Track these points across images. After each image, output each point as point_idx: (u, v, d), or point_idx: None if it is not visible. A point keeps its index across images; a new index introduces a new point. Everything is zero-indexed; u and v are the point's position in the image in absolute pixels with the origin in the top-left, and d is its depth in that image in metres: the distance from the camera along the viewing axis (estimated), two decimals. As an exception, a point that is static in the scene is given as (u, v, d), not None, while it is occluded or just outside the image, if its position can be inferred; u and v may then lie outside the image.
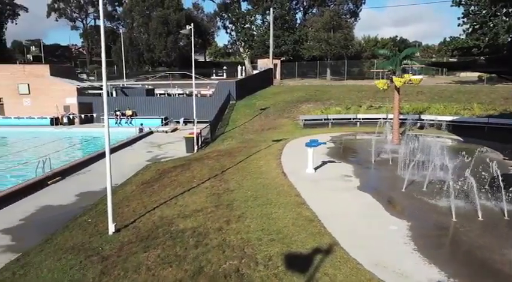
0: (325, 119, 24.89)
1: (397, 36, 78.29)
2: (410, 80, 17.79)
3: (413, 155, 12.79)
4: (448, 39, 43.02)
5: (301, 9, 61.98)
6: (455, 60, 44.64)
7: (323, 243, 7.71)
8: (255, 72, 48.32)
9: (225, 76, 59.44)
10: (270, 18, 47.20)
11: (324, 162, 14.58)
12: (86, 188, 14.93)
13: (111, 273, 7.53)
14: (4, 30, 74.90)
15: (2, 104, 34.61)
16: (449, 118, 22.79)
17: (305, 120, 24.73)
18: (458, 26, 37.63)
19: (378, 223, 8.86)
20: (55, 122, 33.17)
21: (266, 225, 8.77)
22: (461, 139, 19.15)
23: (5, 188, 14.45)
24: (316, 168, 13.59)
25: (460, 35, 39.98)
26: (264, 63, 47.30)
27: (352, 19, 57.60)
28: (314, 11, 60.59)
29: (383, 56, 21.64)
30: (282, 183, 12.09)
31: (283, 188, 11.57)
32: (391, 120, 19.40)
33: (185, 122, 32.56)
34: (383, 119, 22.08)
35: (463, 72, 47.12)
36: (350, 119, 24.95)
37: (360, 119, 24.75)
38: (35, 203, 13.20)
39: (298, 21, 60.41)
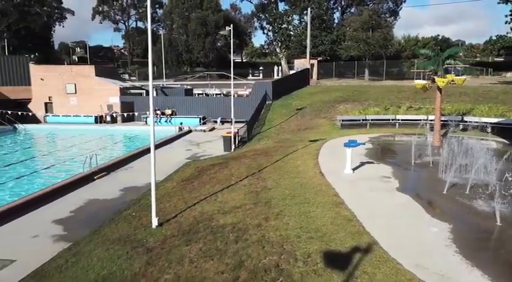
0: (363, 120, 24.61)
1: (438, 35, 75.99)
2: (453, 81, 17.32)
3: (456, 157, 12.50)
4: (494, 37, 41.29)
5: (339, 8, 61.35)
6: (502, 59, 42.78)
7: (362, 242, 7.75)
8: (291, 72, 48.37)
9: (261, 76, 59.83)
10: (308, 18, 47.07)
11: (362, 163, 14.49)
12: (129, 183, 15.57)
13: (156, 264, 7.91)
14: (52, 32, 78.88)
15: (51, 102, 36.53)
16: (495, 120, 21.95)
17: (342, 120, 24.56)
18: (506, 23, 36.07)
19: (418, 224, 8.78)
20: (99, 120, 34.65)
21: (304, 223, 8.90)
22: (506, 142, 18.44)
23: (56, 181, 15.37)
24: (354, 169, 13.55)
25: (507, 33, 38.29)
26: (300, 63, 47.23)
27: (392, 18, 56.40)
28: (352, 10, 59.82)
29: (424, 55, 21.17)
30: (320, 182, 12.16)
31: (321, 187, 11.64)
32: (432, 122, 18.95)
33: (222, 122, 33.09)
34: (423, 120, 21.58)
35: (509, 72, 45.07)
36: (389, 120, 24.54)
37: (399, 120, 24.29)
38: (83, 196, 13.93)
39: (336, 21, 59.87)
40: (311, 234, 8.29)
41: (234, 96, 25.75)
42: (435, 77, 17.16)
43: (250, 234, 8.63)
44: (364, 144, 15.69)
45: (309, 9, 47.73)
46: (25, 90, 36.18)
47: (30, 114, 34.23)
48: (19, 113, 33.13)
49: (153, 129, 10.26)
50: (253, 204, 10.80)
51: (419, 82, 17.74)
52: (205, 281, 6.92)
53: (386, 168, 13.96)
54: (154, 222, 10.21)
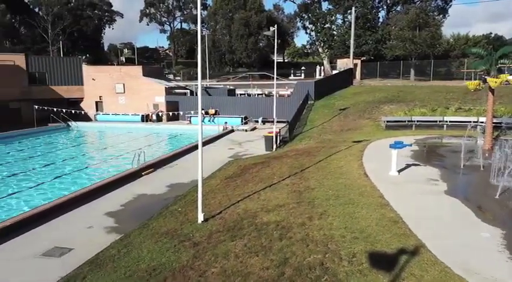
0: (408, 121, 23.97)
1: (491, 33, 72.31)
2: (506, 81, 16.52)
3: (509, 161, 11.95)
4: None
5: (385, 7, 59.89)
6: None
7: (408, 244, 7.64)
8: (334, 72, 47.81)
9: (303, 76, 59.54)
10: (352, 17, 46.36)
11: (408, 165, 14.17)
12: (174, 180, 16.10)
13: (202, 257, 8.19)
14: (102, 34, 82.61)
15: (102, 101, 38.31)
16: (552, 122, 20.70)
17: (387, 121, 24.05)
18: None
19: (468, 229, 8.51)
20: (145, 118, 35.93)
21: (349, 224, 8.87)
22: None
23: (107, 177, 16.17)
24: (399, 171, 13.28)
25: None
26: (343, 63, 46.59)
27: (440, 16, 54.34)
28: (398, 8, 58.21)
29: (476, 55, 20.29)
30: (364, 184, 12.03)
31: (366, 189, 11.52)
32: (483, 124, 18.16)
33: (263, 122, 33.33)
34: (473, 122, 20.72)
35: None
36: (436, 121, 23.75)
37: (447, 121, 23.45)
38: (132, 191, 14.57)
39: (381, 20, 58.50)
40: (356, 234, 8.26)
41: (275, 96, 25.85)
42: (487, 77, 16.44)
43: (294, 233, 8.72)
44: (411, 145, 15.33)
45: (353, 8, 47.01)
46: (78, 90, 38.18)
47: (82, 112, 36.09)
48: (72, 111, 35.02)
49: (201, 128, 10.59)
50: (296, 203, 10.87)
51: (472, 82, 17.06)
52: (250, 276, 7.09)
53: (433, 170, 13.56)
54: (200, 217, 10.53)
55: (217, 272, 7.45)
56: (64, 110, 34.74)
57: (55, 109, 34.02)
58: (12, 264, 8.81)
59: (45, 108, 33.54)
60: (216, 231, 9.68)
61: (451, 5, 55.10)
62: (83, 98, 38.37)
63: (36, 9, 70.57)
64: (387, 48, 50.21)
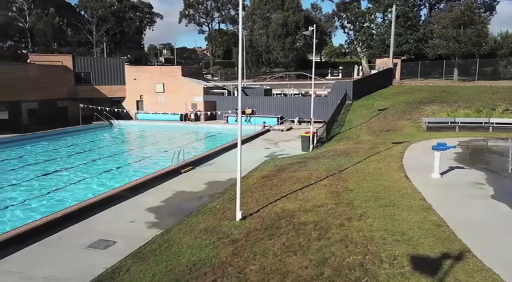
0: (451, 122, 23.14)
1: (542, 31, 68.22)
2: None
3: None
4: None
5: (427, 5, 58.02)
6: None
7: (453, 249, 7.39)
8: (372, 72, 46.82)
9: (340, 76, 58.69)
10: (392, 16, 45.25)
11: (451, 168, 13.69)
12: (212, 178, 16.36)
13: (241, 254, 8.29)
14: (143, 36, 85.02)
15: (142, 100, 39.47)
16: None
17: (428, 122, 23.32)
18: None
19: (518, 235, 8.13)
20: (184, 118, 36.67)
21: (389, 226, 8.70)
22: None
23: (148, 173, 16.66)
24: (442, 173, 12.86)
25: None
26: (382, 63, 45.56)
27: (487, 13, 51.97)
28: (441, 6, 56.22)
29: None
30: (405, 186, 11.74)
31: (407, 191, 11.24)
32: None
33: (299, 122, 33.17)
34: (523, 124, 19.72)
35: None
36: (481, 123, 22.79)
37: (493, 123, 22.45)
38: (172, 188, 14.94)
39: (423, 18, 56.70)
40: (397, 237, 8.09)
41: (313, 96, 25.65)
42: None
43: (333, 233, 8.66)
44: (454, 147, 14.81)
45: (394, 6, 45.86)
46: (120, 89, 39.51)
47: (124, 111, 37.33)
48: (115, 110, 36.30)
49: (241, 127, 10.72)
50: (334, 204, 10.78)
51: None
52: (289, 274, 7.11)
53: (478, 174, 13.04)
54: (238, 215, 10.65)
55: (256, 269, 7.52)
56: (107, 109, 36.07)
57: (99, 108, 35.40)
58: (60, 255, 9.27)
59: (90, 106, 34.98)
60: (254, 229, 9.76)
61: (498, 2, 52.59)
62: (124, 97, 39.67)
63: (82, 12, 73.68)
64: (429, 47, 48.59)
